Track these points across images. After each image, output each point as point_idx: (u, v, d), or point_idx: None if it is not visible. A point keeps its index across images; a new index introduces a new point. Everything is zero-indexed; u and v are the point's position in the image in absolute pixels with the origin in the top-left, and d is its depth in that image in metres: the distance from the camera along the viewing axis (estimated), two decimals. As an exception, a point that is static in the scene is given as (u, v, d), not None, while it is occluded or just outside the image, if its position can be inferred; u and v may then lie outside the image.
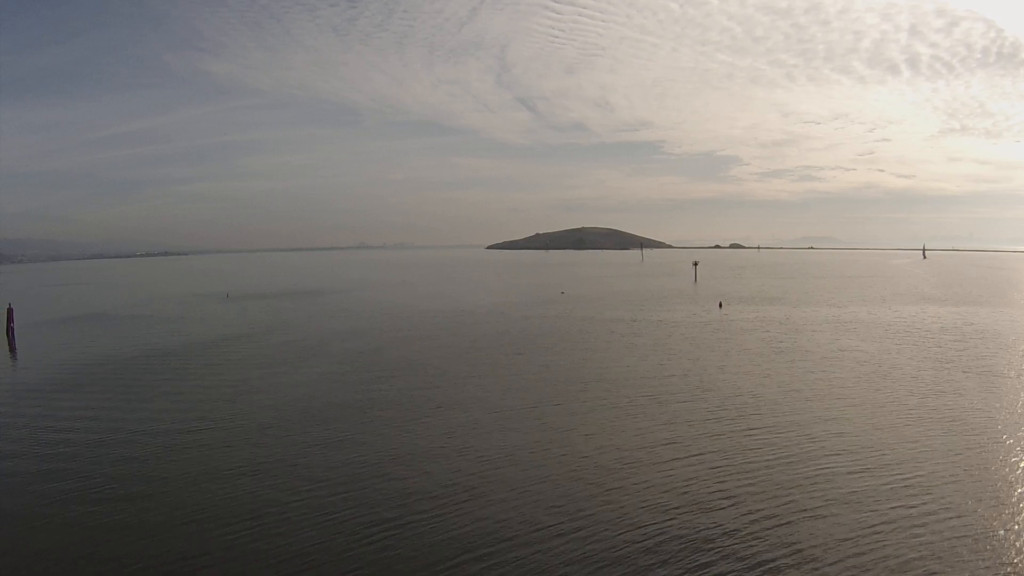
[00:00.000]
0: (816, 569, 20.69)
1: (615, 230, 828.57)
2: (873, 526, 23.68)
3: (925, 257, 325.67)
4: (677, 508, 25.75)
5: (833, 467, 30.05)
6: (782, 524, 24.02)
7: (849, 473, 29.23)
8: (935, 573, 20.13)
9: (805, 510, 25.29)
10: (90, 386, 49.65)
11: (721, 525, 24.16)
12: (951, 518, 24.12)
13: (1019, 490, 26.75)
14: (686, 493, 27.31)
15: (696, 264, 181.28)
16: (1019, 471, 28.94)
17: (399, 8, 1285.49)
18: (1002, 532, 22.88)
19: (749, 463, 30.87)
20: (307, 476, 29.88)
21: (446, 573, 21.02)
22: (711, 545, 22.55)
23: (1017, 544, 22.06)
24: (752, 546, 22.35)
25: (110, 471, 29.93)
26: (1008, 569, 20.28)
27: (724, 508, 25.67)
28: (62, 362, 59.09)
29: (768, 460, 31.23)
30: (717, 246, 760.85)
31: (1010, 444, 32.63)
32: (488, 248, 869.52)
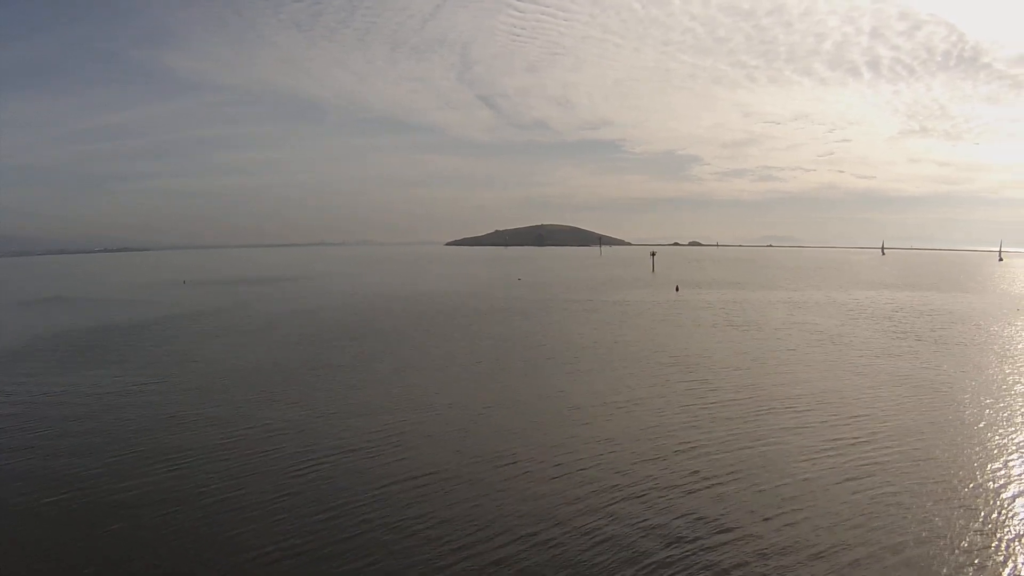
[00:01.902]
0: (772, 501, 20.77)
1: (575, 227, 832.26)
2: (814, 476, 23.93)
3: (884, 254, 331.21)
4: (627, 455, 25.82)
5: (778, 417, 30.38)
6: (722, 471, 24.16)
7: (798, 427, 29.60)
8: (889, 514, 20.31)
9: (751, 462, 25.47)
10: (39, 356, 48.09)
11: (673, 470, 24.26)
12: (908, 462, 24.63)
13: (971, 436, 27.46)
14: (631, 440, 27.42)
15: (654, 255, 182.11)
16: (968, 419, 29.71)
17: (362, 4, 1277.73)
18: (955, 472, 23.43)
19: (691, 409, 31.15)
20: (234, 428, 29.51)
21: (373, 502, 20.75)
22: (665, 489, 22.60)
23: (967, 483, 22.62)
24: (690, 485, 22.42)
25: (51, 429, 28.79)
26: (959, 504, 20.61)
27: (678, 455, 25.91)
28: (10, 339, 57.12)
29: (711, 405, 31.52)
30: (676, 243, 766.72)
31: (961, 396, 33.40)
32: (447, 244, 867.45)
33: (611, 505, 19.92)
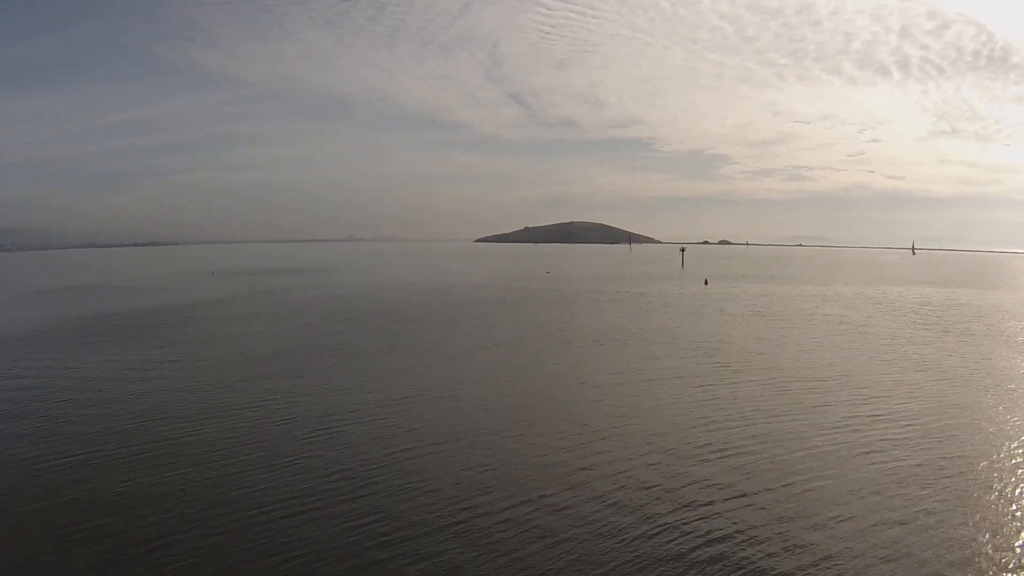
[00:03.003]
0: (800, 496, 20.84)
1: (604, 225, 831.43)
2: (850, 455, 23.91)
3: (914, 254, 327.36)
4: (643, 428, 25.97)
5: (797, 396, 30.32)
6: (744, 452, 24.22)
7: (817, 406, 29.51)
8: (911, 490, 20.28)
9: (765, 440, 25.51)
10: (66, 337, 48.82)
11: (693, 446, 24.37)
12: (927, 440, 24.42)
13: (992, 417, 27.06)
14: (647, 414, 27.58)
15: (683, 250, 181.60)
16: (989, 402, 29.27)
17: (391, 2, 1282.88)
18: (973, 449, 23.27)
19: (710, 388, 31.15)
20: (261, 406, 29.84)
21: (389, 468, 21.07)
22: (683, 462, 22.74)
23: (984, 460, 22.42)
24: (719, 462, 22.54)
25: (68, 412, 28.88)
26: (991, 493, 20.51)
27: (697, 429, 25.97)
28: (41, 322, 58.06)
29: (730, 385, 31.51)
30: (706, 242, 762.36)
31: (984, 381, 32.94)
32: (477, 241, 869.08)
33: (624, 472, 19.97)
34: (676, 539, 15.48)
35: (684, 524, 16.35)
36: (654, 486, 18.79)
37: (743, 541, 15.41)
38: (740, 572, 14.06)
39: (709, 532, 15.90)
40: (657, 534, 15.80)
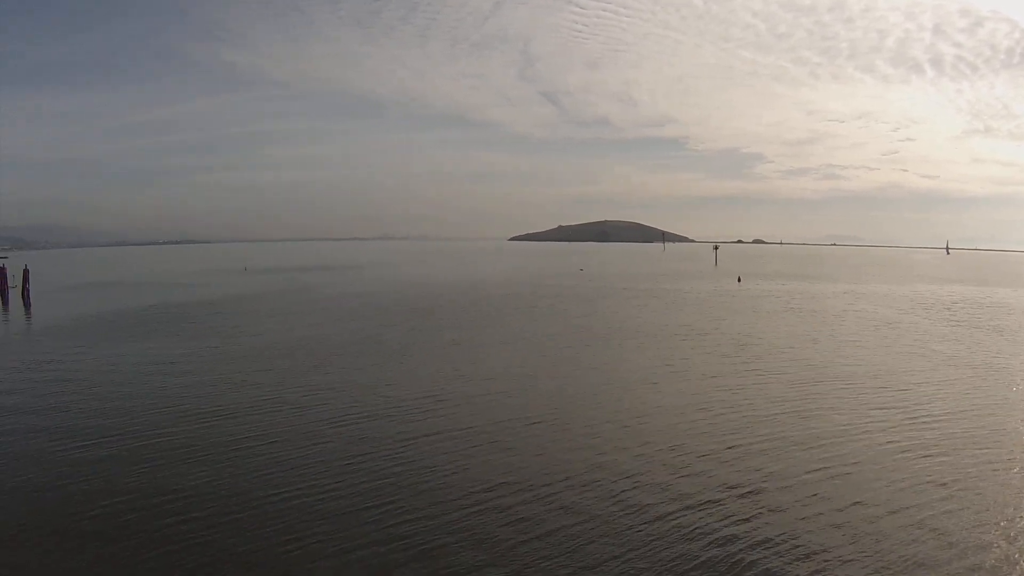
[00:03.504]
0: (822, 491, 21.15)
1: (638, 224, 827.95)
2: (885, 456, 24.17)
3: (948, 253, 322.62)
4: (662, 422, 26.48)
5: (824, 387, 30.64)
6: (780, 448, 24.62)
7: (856, 403, 29.75)
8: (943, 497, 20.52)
9: (802, 442, 25.81)
10: (95, 331, 49.74)
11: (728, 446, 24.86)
12: (961, 441, 24.81)
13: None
14: (668, 408, 28.06)
15: (717, 248, 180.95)
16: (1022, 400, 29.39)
17: (423, 1, 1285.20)
18: (1010, 460, 23.53)
19: (736, 380, 31.58)
20: (276, 390, 30.86)
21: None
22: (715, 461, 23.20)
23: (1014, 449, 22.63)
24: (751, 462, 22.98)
25: (96, 405, 28.83)
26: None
27: (734, 424, 26.44)
28: (74, 315, 59.49)
29: (757, 377, 31.93)
30: (740, 241, 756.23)
31: (1018, 380, 32.98)
32: (510, 240, 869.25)
33: (644, 465, 20.46)
34: (690, 535, 15.47)
35: (699, 520, 16.46)
36: (672, 480, 19.10)
37: (758, 537, 15.46)
38: (753, 570, 14.05)
39: (724, 529, 15.99)
40: (670, 530, 15.88)
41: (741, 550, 14.65)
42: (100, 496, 17.46)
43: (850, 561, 14.19)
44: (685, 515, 16.42)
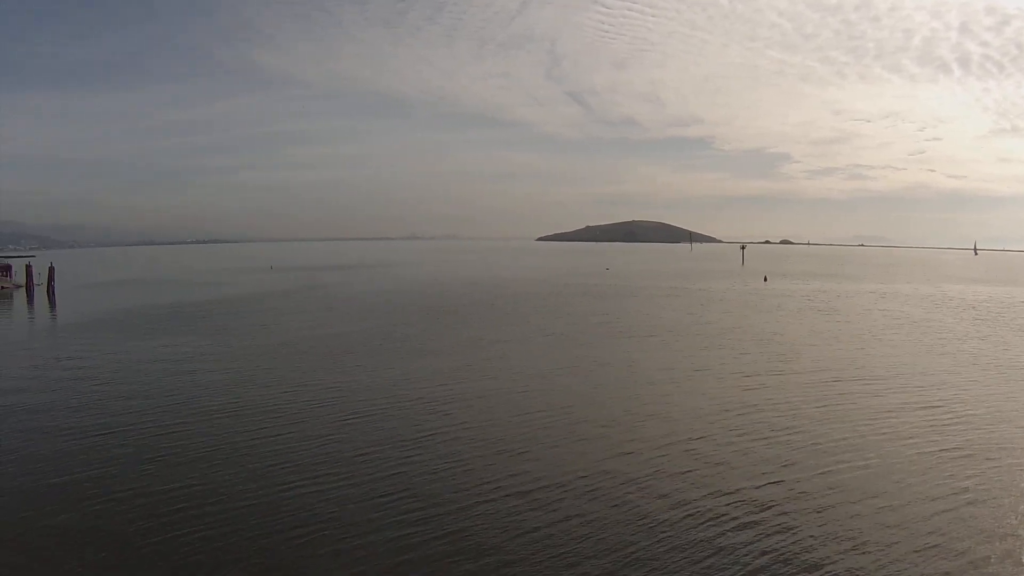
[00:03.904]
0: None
1: (665, 224, 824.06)
2: (901, 458, 24.07)
3: (976, 254, 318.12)
4: (683, 413, 26.60)
5: (846, 385, 30.63)
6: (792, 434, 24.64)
7: (872, 396, 29.72)
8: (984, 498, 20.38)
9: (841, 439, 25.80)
10: (118, 328, 50.19)
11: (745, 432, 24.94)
12: (989, 449, 24.61)
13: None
14: (689, 400, 28.21)
15: (743, 248, 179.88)
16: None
17: (449, 1, 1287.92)
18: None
19: (757, 376, 31.63)
20: (292, 385, 31.39)
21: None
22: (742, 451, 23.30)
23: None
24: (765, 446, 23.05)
25: (109, 404, 30.21)
26: None
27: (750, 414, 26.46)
28: (98, 311, 60.70)
29: (778, 373, 31.96)
30: (767, 241, 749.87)
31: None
32: (538, 240, 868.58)
33: (663, 457, 20.48)
34: (709, 523, 15.55)
35: (718, 508, 16.58)
36: (691, 471, 19.20)
37: (777, 526, 15.48)
38: (773, 556, 14.21)
39: (743, 518, 16.10)
40: (688, 517, 15.98)
41: (761, 537, 14.81)
42: (109, 493, 17.39)
43: (865, 554, 14.27)
44: (706, 503, 16.60)
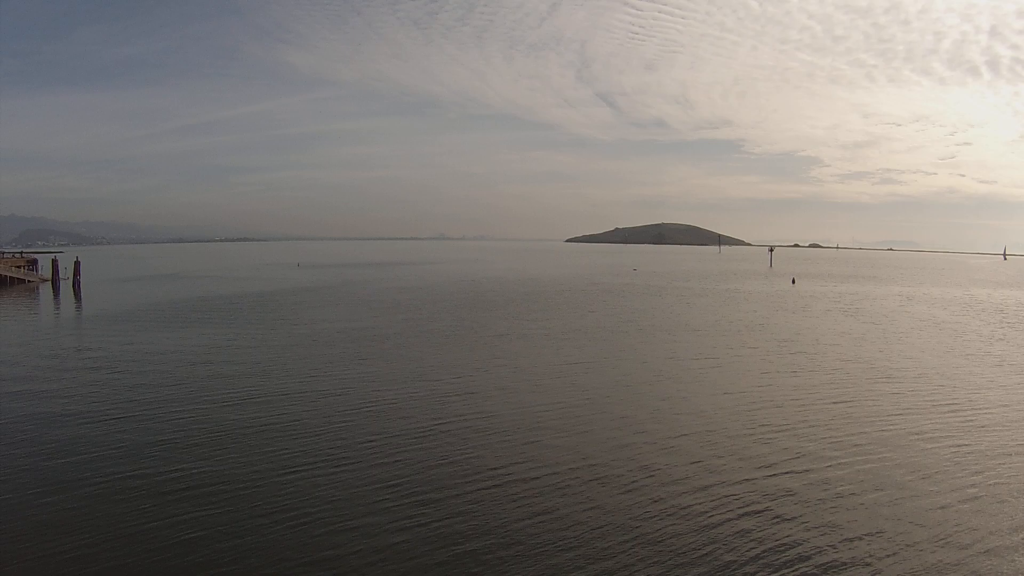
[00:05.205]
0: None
1: (694, 227, 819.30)
2: (933, 459, 23.86)
3: (1006, 259, 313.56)
4: (703, 406, 26.53)
5: (870, 385, 30.45)
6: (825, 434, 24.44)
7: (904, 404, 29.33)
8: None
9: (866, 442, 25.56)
10: (141, 320, 50.69)
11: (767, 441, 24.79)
12: (997, 425, 24.63)
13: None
14: (708, 395, 28.11)
15: (772, 250, 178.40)
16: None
17: (480, 2, 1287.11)
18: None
19: (778, 374, 31.54)
20: (315, 378, 32.10)
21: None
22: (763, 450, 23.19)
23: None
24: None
25: (126, 393, 29.24)
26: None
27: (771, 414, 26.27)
28: (123, 304, 61.73)
29: (806, 372, 31.77)
30: (796, 245, 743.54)
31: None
32: (567, 241, 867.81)
33: (681, 449, 20.62)
34: (727, 514, 15.57)
35: (737, 498, 16.66)
36: (709, 461, 19.35)
37: (793, 519, 15.46)
38: (790, 548, 14.24)
39: (758, 503, 16.28)
40: (709, 509, 16.02)
41: (776, 523, 14.96)
42: (126, 479, 17.56)
43: (878, 546, 14.35)
44: (722, 490, 16.75)
